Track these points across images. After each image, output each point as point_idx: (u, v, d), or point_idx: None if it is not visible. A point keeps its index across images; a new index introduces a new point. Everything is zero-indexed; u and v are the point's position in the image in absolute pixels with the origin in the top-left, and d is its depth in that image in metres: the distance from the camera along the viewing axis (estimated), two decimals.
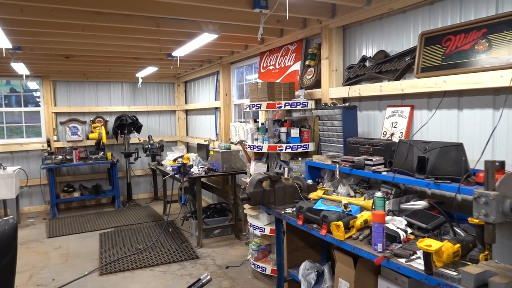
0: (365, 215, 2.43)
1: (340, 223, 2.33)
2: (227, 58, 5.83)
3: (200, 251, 4.87)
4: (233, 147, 5.21)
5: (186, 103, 8.42)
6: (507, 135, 2.37)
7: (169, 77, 8.31)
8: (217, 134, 6.66)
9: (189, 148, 8.15)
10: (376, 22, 3.36)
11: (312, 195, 2.78)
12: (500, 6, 2.41)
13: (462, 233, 2.17)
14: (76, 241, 5.47)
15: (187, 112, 8.49)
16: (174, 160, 5.65)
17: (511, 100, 2.33)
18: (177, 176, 5.01)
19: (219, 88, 6.37)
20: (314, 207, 2.64)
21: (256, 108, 3.80)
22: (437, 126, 2.82)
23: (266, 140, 3.81)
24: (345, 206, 2.52)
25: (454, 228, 2.18)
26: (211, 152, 5.37)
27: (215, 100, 6.65)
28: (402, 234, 2.22)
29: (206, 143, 6.27)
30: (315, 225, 2.61)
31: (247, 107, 3.94)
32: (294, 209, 2.84)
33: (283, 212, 2.97)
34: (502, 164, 2.06)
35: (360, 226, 2.39)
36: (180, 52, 4.84)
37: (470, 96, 2.59)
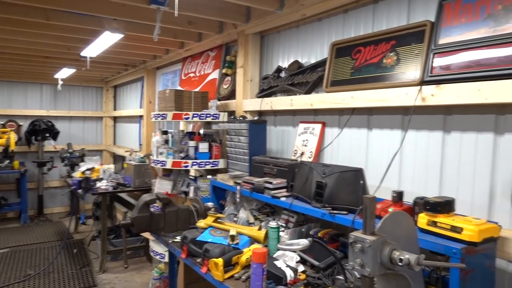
0: (253, 249, 2.05)
1: (220, 260, 1.92)
2: (150, 62, 5.35)
3: (101, 277, 4.27)
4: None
5: (115, 109, 7.78)
6: (413, 160, 2.11)
7: (96, 81, 7.64)
8: (140, 145, 6.11)
9: (115, 159, 7.47)
10: (292, 30, 3.06)
11: (201, 223, 2.36)
12: (412, 16, 2.17)
13: (357, 274, 1.84)
14: None
15: (115, 119, 7.84)
16: (83, 172, 5.02)
17: (416, 121, 2.07)
18: (79, 191, 4.40)
19: (144, 94, 5.85)
20: (198, 238, 2.21)
21: (161, 118, 3.35)
22: (346, 147, 2.53)
23: (171, 154, 3.36)
24: (232, 238, 2.12)
25: (347, 268, 1.84)
26: (125, 165, 4.82)
27: (140, 107, 6.12)
28: (289, 274, 1.85)
29: (127, 154, 5.70)
30: (198, 260, 2.18)
31: (153, 117, 3.48)
32: None
33: (170, 241, 2.52)
34: (400, 195, 1.76)
35: (246, 263, 2.00)
36: (90, 52, 4.30)
37: (380, 114, 2.32)
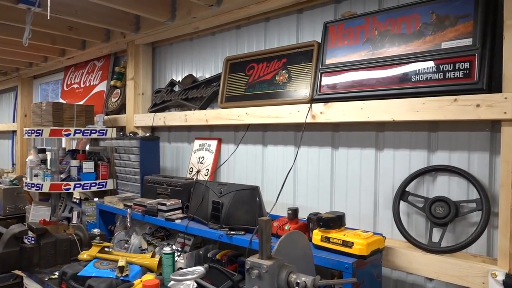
0: (145, 279, 1.86)
1: None
2: (25, 70, 4.71)
3: None
4: None
5: None
6: (306, 176, 2.16)
7: None
8: (13, 165, 5.31)
9: None
10: (186, 43, 2.96)
11: (84, 255, 2.08)
12: (301, 35, 2.25)
13: None
14: None
15: None
16: None
17: (308, 137, 2.14)
18: None
19: (18, 107, 5.12)
20: (80, 273, 1.94)
21: (36, 135, 2.93)
22: (243, 164, 2.50)
23: (48, 176, 2.94)
24: (121, 269, 1.90)
25: None
26: None
27: (13, 121, 5.34)
28: None
29: None
30: None
31: (25, 133, 3.02)
32: None
33: (46, 279, 2.16)
34: (295, 212, 1.77)
35: None
36: None
37: (274, 131, 2.35)
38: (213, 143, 2.65)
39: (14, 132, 5.29)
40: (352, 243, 1.47)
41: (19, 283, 4.09)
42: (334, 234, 1.56)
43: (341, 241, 1.52)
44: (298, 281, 1.14)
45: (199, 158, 2.69)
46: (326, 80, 1.95)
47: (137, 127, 3.10)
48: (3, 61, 4.21)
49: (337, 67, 1.92)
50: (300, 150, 2.18)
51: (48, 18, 2.15)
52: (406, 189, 1.71)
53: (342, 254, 1.51)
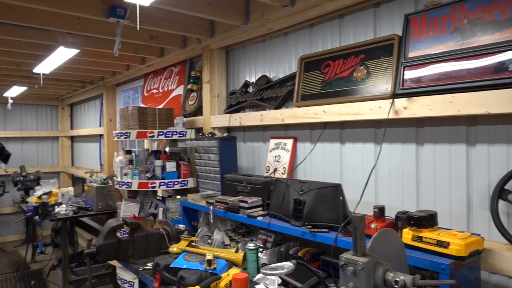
0: (232, 273, 1.95)
1: None
2: (110, 79, 5.14)
3: None
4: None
5: (72, 128, 7.40)
6: (389, 173, 2.11)
7: (51, 99, 7.25)
8: (101, 165, 5.82)
9: (74, 181, 7.07)
10: (259, 44, 3.03)
11: (174, 248, 2.23)
12: (378, 30, 2.19)
13: None
14: None
15: (72, 138, 7.45)
16: (39, 197, 4.68)
17: (391, 134, 2.08)
18: (35, 218, 4.08)
19: (103, 112, 5.60)
20: (172, 265, 2.08)
21: (124, 137, 3.19)
22: (320, 162, 2.50)
23: (136, 175, 3.19)
24: (209, 262, 2.01)
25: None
26: (86, 187, 4.54)
27: (100, 126, 5.85)
28: None
29: (88, 175, 5.39)
30: None
31: (115, 136, 3.30)
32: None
33: (141, 269, 2.36)
34: (382, 210, 1.73)
35: None
36: (43, 68, 4.05)
37: (352, 128, 2.32)
38: (289, 142, 2.68)
39: (101, 135, 5.79)
40: (448, 243, 1.41)
41: (110, 273, 4.49)
42: (427, 234, 1.50)
43: (436, 240, 1.47)
44: (397, 279, 1.12)
45: (275, 156, 2.74)
46: (410, 74, 1.88)
47: (214, 128, 3.24)
48: (92, 71, 4.64)
49: (422, 60, 1.84)
50: (381, 147, 2.13)
51: (138, 29, 2.33)
52: (505, 187, 1.60)
53: (436, 255, 1.45)
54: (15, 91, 5.70)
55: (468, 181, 1.77)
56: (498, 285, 1.66)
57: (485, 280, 1.66)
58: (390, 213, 1.81)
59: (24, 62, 4.00)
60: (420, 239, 1.52)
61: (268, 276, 1.93)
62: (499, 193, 1.60)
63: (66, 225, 4.20)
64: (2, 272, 5.15)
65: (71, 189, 5.21)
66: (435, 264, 1.41)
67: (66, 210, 4.20)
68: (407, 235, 1.55)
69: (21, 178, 6.10)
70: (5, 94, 6.03)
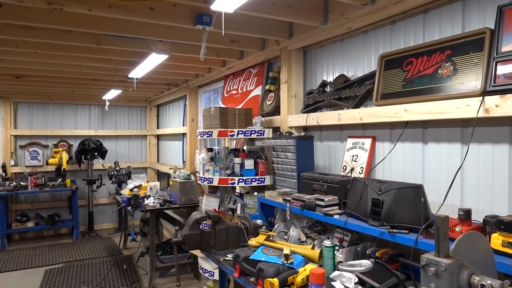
0: (309, 269, 2.00)
1: (275, 280, 1.89)
2: (192, 81, 5.48)
3: None
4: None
5: (158, 127, 8.02)
6: (477, 175, 1.99)
7: (140, 101, 7.93)
8: (184, 162, 6.23)
9: (159, 176, 7.67)
10: (337, 44, 3.03)
11: (253, 241, 2.34)
12: (467, 24, 2.08)
13: None
14: (17, 279, 4.89)
15: (158, 137, 8.07)
16: (131, 189, 5.18)
17: (480, 134, 1.96)
18: (128, 208, 4.53)
19: (186, 113, 5.99)
20: (251, 257, 2.19)
21: (207, 136, 3.40)
22: (400, 162, 2.44)
23: (217, 172, 3.39)
24: (287, 257, 2.08)
25: None
26: (171, 182, 4.92)
27: (183, 125, 6.26)
28: None
29: (172, 171, 5.83)
30: (252, 279, 2.16)
31: (198, 135, 3.54)
32: None
33: (222, 260, 2.51)
34: (468, 213, 1.65)
35: (302, 284, 1.95)
36: (136, 73, 4.47)
37: (436, 127, 2.22)
38: (367, 141, 2.65)
39: (184, 134, 6.21)
40: None
41: (191, 263, 4.80)
42: None
43: None
44: (484, 283, 1.09)
45: (353, 156, 2.73)
46: (503, 69, 1.76)
47: (291, 127, 3.31)
48: (177, 74, 5.00)
49: None
50: (469, 147, 2.02)
51: (223, 35, 2.48)
52: None
53: None
54: (111, 94, 6.36)
55: None
56: None
57: None
58: (477, 217, 1.72)
59: (121, 68, 4.45)
60: (511, 245, 1.43)
61: (345, 274, 1.94)
62: None
63: (153, 216, 4.59)
64: (99, 256, 5.78)
65: (157, 183, 5.67)
66: None
67: (154, 202, 4.60)
68: (497, 240, 1.46)
69: (115, 172, 6.78)
70: (104, 97, 6.76)
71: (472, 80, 1.92)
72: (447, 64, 2.07)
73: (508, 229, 1.45)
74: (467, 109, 1.89)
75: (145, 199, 4.73)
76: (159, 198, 4.74)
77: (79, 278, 4.82)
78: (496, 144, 1.91)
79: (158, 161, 8.05)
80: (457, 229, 1.65)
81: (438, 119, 2.06)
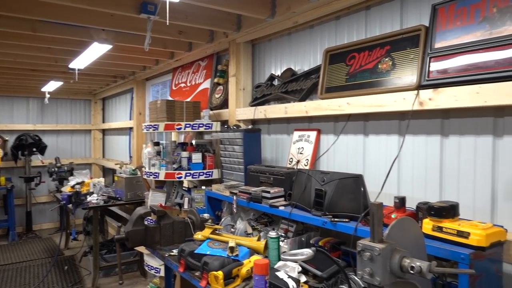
0: (254, 260, 2.00)
1: (219, 273, 1.87)
2: (140, 74, 5.29)
3: None
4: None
5: (104, 121, 7.67)
6: (412, 165, 2.09)
7: (84, 93, 7.54)
8: (130, 157, 6.02)
9: (105, 172, 7.34)
10: (284, 38, 3.05)
11: (198, 235, 2.30)
12: (405, 21, 2.17)
13: (361, 283, 1.80)
14: None
15: (104, 132, 7.73)
16: (73, 186, 4.91)
17: (415, 125, 2.06)
18: (69, 206, 4.29)
19: (133, 106, 5.78)
20: (196, 251, 2.15)
21: (153, 129, 3.30)
22: (343, 154, 2.51)
23: (163, 166, 3.29)
24: (232, 249, 2.07)
25: (351, 277, 1.80)
26: (116, 178, 4.73)
27: (130, 119, 6.04)
28: (292, 285, 1.80)
29: (118, 166, 5.60)
30: (197, 273, 2.13)
31: (144, 128, 3.42)
32: None
33: (167, 255, 2.45)
34: (402, 200, 1.73)
35: (246, 275, 1.95)
36: (78, 64, 4.23)
37: (376, 120, 2.31)
38: (312, 134, 2.70)
39: (130, 128, 5.99)
40: (469, 233, 1.40)
41: (137, 260, 4.65)
42: (448, 224, 1.50)
43: (456, 231, 1.46)
44: (413, 265, 1.13)
45: (299, 148, 2.77)
46: (436, 65, 1.86)
47: (239, 121, 3.29)
48: (123, 66, 4.80)
49: (448, 51, 1.82)
50: (405, 138, 2.12)
51: (167, 24, 2.41)
52: None
53: (456, 245, 1.44)
54: (51, 86, 5.97)
55: (494, 173, 1.74)
56: None
57: (509, 273, 1.63)
58: (412, 205, 1.80)
59: (61, 58, 4.19)
60: (440, 229, 1.52)
61: (289, 264, 1.96)
62: None
63: (97, 214, 4.39)
64: (38, 258, 5.43)
65: (102, 179, 5.43)
66: (455, 254, 1.40)
67: (97, 199, 4.39)
68: (427, 225, 1.54)
69: (56, 169, 6.39)
70: (43, 89, 6.34)
71: (408, 74, 2.01)
72: (387, 59, 2.16)
73: (437, 214, 1.53)
74: (404, 102, 1.98)
75: (88, 196, 4.50)
76: (103, 195, 4.54)
77: (15, 282, 4.50)
78: (429, 135, 2.02)
79: (103, 156, 7.71)
80: (392, 216, 1.72)
81: (378, 111, 2.14)
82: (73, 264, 5.07)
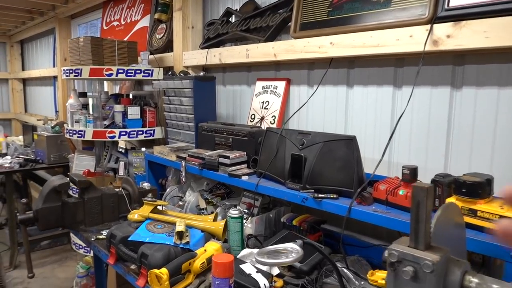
0: (210, 249, 1.51)
1: (164, 271, 1.35)
2: (61, 9, 4.33)
3: (12, 275, 3.49)
4: None
5: (24, 69, 6.51)
6: (410, 126, 1.66)
7: None
8: (57, 112, 5.12)
9: (24, 129, 6.32)
10: None
11: (134, 215, 1.74)
12: None
13: (351, 276, 1.39)
14: None
15: (25, 81, 6.59)
16: None
17: (413, 74, 1.60)
18: None
19: (57, 50, 4.82)
20: (131, 238, 1.60)
21: (75, 75, 2.57)
22: (319, 111, 2.02)
23: (91, 122, 2.61)
24: (180, 235, 1.54)
25: (341, 270, 1.38)
26: (35, 137, 3.92)
27: (53, 66, 5.08)
28: (264, 284, 1.34)
29: (41, 123, 4.72)
30: (133, 266, 1.59)
31: (64, 74, 2.67)
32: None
33: (93, 239, 1.88)
34: (414, 172, 1.29)
35: (201, 270, 1.45)
36: None
37: (364, 67, 1.82)
38: (281, 85, 2.17)
39: (55, 77, 5.05)
40: None
41: (67, 233, 4.00)
42: (484, 206, 1.09)
43: (498, 216, 1.05)
44: None
45: (263, 103, 2.24)
46: None
47: (187, 67, 2.67)
48: None
49: None
50: (401, 91, 1.67)
51: None
52: None
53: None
54: None
55: None
56: None
57: None
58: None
59: None
60: (474, 213, 1.10)
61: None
62: None
63: (11, 180, 3.61)
64: None
65: (20, 138, 4.55)
66: (501, 251, 1.00)
67: (11, 162, 3.59)
68: None
69: None
70: None
71: (417, 4, 1.52)
72: None
73: (470, 193, 1.11)
74: (410, 40, 1.49)
75: (0, 158, 3.69)
76: (19, 157, 3.74)
77: None
78: (435, 86, 1.58)
79: (26, 111, 6.63)
80: (400, 193, 1.29)
81: (373, 53, 1.64)
82: None
